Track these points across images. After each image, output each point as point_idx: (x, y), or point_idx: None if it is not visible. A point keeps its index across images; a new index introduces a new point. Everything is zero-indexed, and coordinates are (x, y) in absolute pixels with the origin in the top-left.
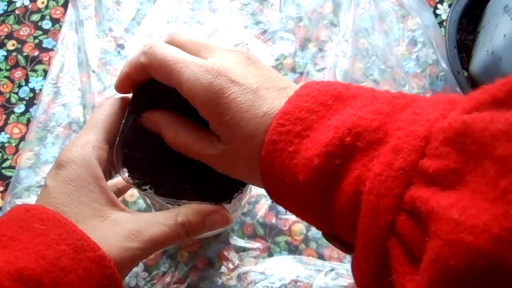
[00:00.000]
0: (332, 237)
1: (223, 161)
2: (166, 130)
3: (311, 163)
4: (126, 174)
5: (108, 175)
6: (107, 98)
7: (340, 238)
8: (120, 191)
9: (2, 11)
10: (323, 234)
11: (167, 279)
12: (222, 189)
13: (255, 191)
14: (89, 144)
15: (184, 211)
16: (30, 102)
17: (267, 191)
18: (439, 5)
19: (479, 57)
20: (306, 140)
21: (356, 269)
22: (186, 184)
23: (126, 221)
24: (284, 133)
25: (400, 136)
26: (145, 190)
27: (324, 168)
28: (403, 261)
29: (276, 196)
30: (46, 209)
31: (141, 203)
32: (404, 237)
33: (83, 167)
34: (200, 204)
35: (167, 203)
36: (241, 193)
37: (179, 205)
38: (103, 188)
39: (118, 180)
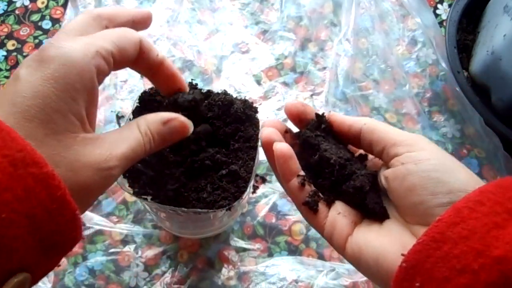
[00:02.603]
0: None
1: None
2: None
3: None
4: (127, 184)
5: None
6: (107, 97)
7: None
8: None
9: (2, 11)
10: None
11: (167, 279)
12: (222, 197)
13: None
14: (93, 45)
15: (143, 122)
16: None
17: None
18: (439, 5)
19: (479, 57)
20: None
21: None
22: (185, 192)
23: (96, 141)
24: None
25: None
26: (145, 199)
27: None
28: None
29: None
30: None
31: (140, 203)
32: None
33: (74, 72)
34: (156, 113)
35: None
36: (241, 200)
37: (178, 213)
38: (82, 105)
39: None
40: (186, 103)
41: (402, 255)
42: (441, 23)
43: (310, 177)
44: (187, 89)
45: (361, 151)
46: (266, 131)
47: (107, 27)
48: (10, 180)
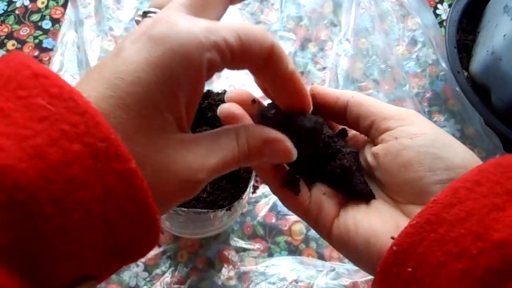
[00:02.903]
0: None
1: None
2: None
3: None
4: None
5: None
6: None
7: None
8: None
9: (2, 11)
10: None
11: (167, 279)
12: (222, 197)
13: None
14: (213, 34)
15: (243, 132)
16: None
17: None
18: (439, 5)
19: (479, 57)
20: None
21: None
22: None
23: (190, 145)
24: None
25: None
26: None
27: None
28: None
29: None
30: (63, 81)
31: None
32: None
33: (184, 63)
34: (260, 127)
35: None
36: (242, 200)
37: (178, 213)
38: (182, 102)
39: None
40: (304, 131)
41: (392, 238)
42: (441, 23)
43: None
44: (310, 108)
45: (341, 127)
46: (225, 107)
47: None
48: (89, 175)
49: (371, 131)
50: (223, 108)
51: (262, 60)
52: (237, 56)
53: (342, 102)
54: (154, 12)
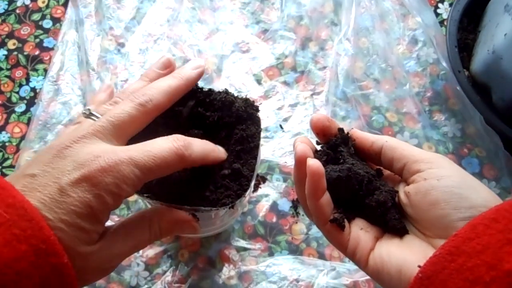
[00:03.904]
0: None
1: None
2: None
3: None
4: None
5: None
6: None
7: None
8: None
9: (3, 10)
10: None
11: (168, 278)
12: (225, 195)
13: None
14: (128, 167)
15: (157, 222)
16: (31, 102)
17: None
18: (440, 4)
19: (480, 56)
20: None
21: None
22: (187, 191)
23: (109, 240)
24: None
25: None
26: (147, 197)
27: None
28: None
29: None
30: (16, 191)
31: (142, 202)
32: None
33: (113, 200)
34: (172, 211)
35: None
36: (244, 198)
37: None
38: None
39: None
40: (332, 180)
41: (419, 266)
42: (441, 22)
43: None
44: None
45: (377, 168)
46: (301, 147)
47: None
48: (31, 268)
49: (404, 172)
50: (299, 148)
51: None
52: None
53: (377, 146)
54: (96, 116)
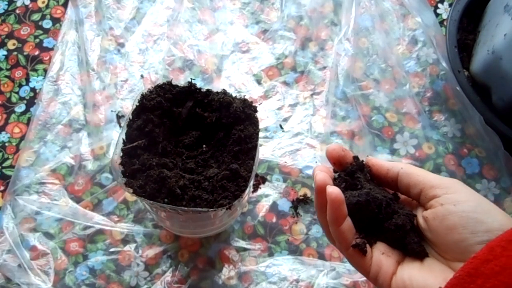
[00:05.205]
0: None
1: None
2: None
3: None
4: (123, 183)
5: None
6: (107, 97)
7: None
8: None
9: (3, 11)
10: None
11: (168, 278)
12: (222, 196)
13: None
14: None
15: None
16: (31, 102)
17: None
18: (439, 5)
19: (480, 56)
20: None
21: None
22: (185, 192)
23: None
24: None
25: None
26: (145, 198)
27: None
28: None
29: None
30: None
31: (141, 202)
32: None
33: None
34: None
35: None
36: (242, 199)
37: (179, 212)
38: None
39: None
40: (351, 206)
41: None
42: (441, 23)
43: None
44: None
45: (393, 193)
46: (321, 175)
47: None
48: None
49: (421, 198)
50: (319, 177)
51: None
52: None
53: (393, 173)
54: None
